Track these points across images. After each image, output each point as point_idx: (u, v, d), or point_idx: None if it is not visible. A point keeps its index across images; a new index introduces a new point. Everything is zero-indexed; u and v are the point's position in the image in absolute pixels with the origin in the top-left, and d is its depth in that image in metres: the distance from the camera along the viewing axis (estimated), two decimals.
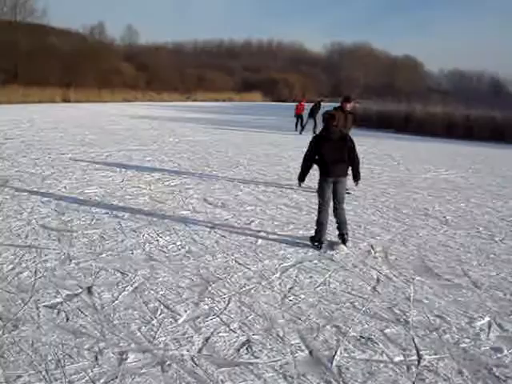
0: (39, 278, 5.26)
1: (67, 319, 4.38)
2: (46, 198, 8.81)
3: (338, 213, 6.84)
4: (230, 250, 6.42)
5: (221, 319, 4.50)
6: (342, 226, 6.83)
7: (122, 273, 5.48)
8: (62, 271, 5.46)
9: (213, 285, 5.26)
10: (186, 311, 4.63)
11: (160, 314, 4.54)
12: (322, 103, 25.18)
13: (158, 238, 6.77)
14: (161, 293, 5.01)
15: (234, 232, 7.25)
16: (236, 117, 39.44)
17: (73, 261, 5.79)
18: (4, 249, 6.12)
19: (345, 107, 10.09)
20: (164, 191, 9.84)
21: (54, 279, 5.23)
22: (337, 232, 6.87)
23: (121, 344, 4.00)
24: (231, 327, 4.36)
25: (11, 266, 5.55)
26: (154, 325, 4.34)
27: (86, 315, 4.46)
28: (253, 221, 7.91)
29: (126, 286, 5.12)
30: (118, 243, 6.51)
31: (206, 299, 4.91)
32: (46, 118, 29.24)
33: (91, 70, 61.27)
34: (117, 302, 4.76)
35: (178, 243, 6.62)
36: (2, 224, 7.15)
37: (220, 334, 4.23)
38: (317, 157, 6.82)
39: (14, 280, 5.17)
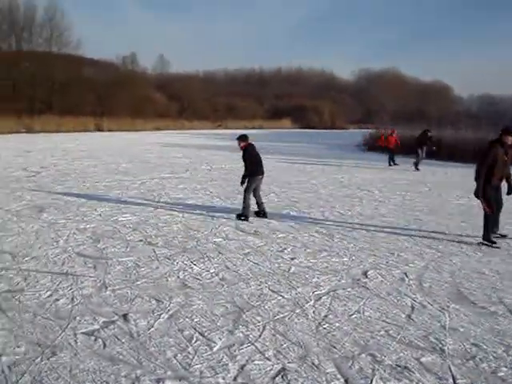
0: (76, 304, 5.35)
1: (104, 346, 4.44)
2: (81, 226, 8.97)
3: None
4: (264, 278, 6.44)
5: (256, 347, 4.51)
6: None
7: (157, 300, 5.54)
8: (98, 298, 5.55)
9: (247, 312, 5.28)
10: (220, 339, 4.65)
11: (195, 342, 4.57)
12: (428, 133, 23.80)
13: (192, 266, 6.83)
14: (196, 320, 5.04)
15: (267, 259, 7.27)
16: (266, 144, 39.53)
17: (109, 288, 5.88)
18: (41, 276, 6.24)
19: (507, 141, 8.50)
20: (197, 219, 9.93)
21: (90, 306, 5.31)
22: None
23: (157, 371, 4.04)
24: (266, 355, 4.37)
25: (49, 293, 5.66)
26: (189, 352, 4.38)
27: (123, 342, 4.52)
28: (285, 248, 7.93)
29: (162, 314, 5.17)
30: (152, 270, 6.59)
31: (241, 327, 4.92)
32: (80, 146, 29.78)
33: (124, 99, 62.36)
34: (152, 329, 4.81)
35: (212, 270, 6.67)
36: (39, 251, 7.30)
37: (255, 362, 4.24)
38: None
39: (51, 307, 5.27)
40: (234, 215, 10.24)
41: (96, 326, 4.83)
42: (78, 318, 5.00)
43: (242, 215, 10.08)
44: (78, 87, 56.82)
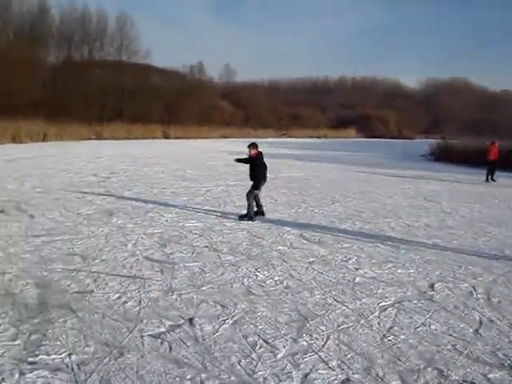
0: (143, 307, 5.47)
1: (170, 349, 4.52)
2: (149, 231, 9.18)
3: None
4: (328, 287, 6.41)
5: (319, 356, 4.49)
6: None
7: (222, 306, 5.60)
8: (164, 302, 5.66)
9: (311, 321, 5.27)
10: (284, 346, 4.66)
11: (259, 348, 4.60)
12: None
13: (257, 273, 6.87)
14: (260, 327, 5.07)
15: (332, 269, 7.23)
16: (330, 153, 39.44)
17: (175, 292, 5.99)
18: (110, 279, 6.42)
19: None
20: (261, 226, 9.99)
21: (157, 309, 5.43)
22: None
23: (221, 376, 4.09)
24: (330, 365, 4.35)
25: (117, 295, 5.81)
26: (253, 358, 4.41)
27: (188, 346, 4.59)
28: (350, 258, 7.86)
29: (226, 319, 5.22)
30: (217, 276, 6.66)
31: (305, 335, 4.92)
32: (148, 153, 30.44)
33: (191, 107, 63.46)
34: (217, 334, 4.86)
35: (276, 278, 6.68)
36: (108, 254, 7.52)
37: (319, 371, 4.23)
38: None
39: (119, 309, 5.41)
40: (240, 219, 10.70)
41: (162, 329, 4.93)
42: (145, 320, 5.12)
43: (247, 216, 10.62)
44: (146, 95, 58.22)
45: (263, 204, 11.17)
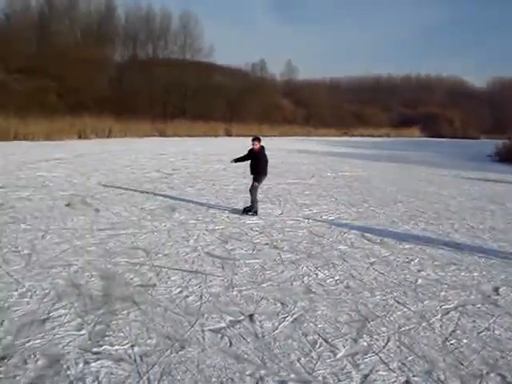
0: (204, 302, 5.55)
1: (230, 344, 4.57)
2: (210, 227, 9.29)
3: None
4: (389, 288, 6.33)
5: (380, 357, 4.45)
6: None
7: (282, 303, 5.62)
8: (225, 297, 5.72)
9: (371, 322, 5.22)
10: (344, 346, 4.64)
11: (319, 347, 4.60)
12: None
13: (317, 272, 6.85)
14: (319, 326, 5.06)
15: (393, 270, 7.13)
16: (393, 152, 38.86)
17: (235, 288, 6.05)
18: (173, 273, 6.53)
19: None
20: (322, 225, 9.94)
21: (218, 305, 5.49)
22: None
23: (281, 373, 4.11)
24: (390, 366, 4.30)
25: (179, 290, 5.92)
26: (313, 357, 4.40)
27: (248, 342, 4.63)
28: (412, 259, 7.73)
29: (286, 317, 5.24)
30: (278, 274, 6.68)
31: (365, 336, 4.88)
32: (210, 150, 30.79)
33: (252, 105, 63.82)
34: (277, 331, 4.88)
35: (337, 278, 6.65)
36: (171, 249, 7.65)
37: (379, 373, 4.19)
38: None
39: (181, 303, 5.51)
40: (244, 212, 10.81)
41: (223, 324, 4.98)
42: (205, 315, 5.19)
43: (251, 210, 10.78)
44: (209, 93, 58.85)
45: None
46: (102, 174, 16.47)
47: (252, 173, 10.91)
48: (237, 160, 11.28)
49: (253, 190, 10.73)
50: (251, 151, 10.92)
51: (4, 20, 64.76)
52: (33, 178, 15.04)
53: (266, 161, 10.81)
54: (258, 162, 10.75)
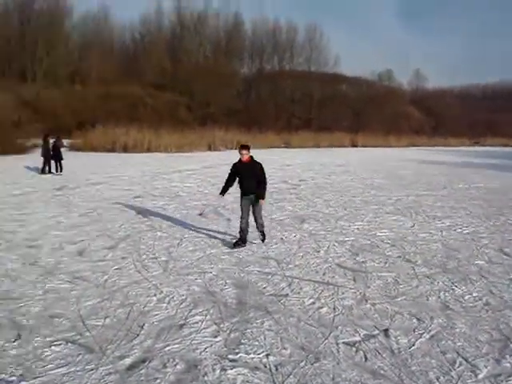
0: (337, 314, 5.48)
1: (365, 359, 4.47)
2: (340, 238, 9.21)
3: None
4: None
5: None
6: None
7: (417, 319, 5.43)
8: (358, 310, 5.62)
9: None
10: (486, 367, 4.40)
11: (459, 366, 4.39)
12: None
13: (453, 287, 6.56)
14: (458, 344, 4.83)
15: None
16: None
17: (368, 301, 5.93)
18: (304, 283, 6.53)
19: None
20: (457, 238, 9.53)
21: (351, 317, 5.41)
22: None
23: None
24: None
25: (311, 301, 5.90)
26: (452, 376, 4.21)
27: (384, 357, 4.50)
28: None
29: (423, 333, 5.05)
30: (412, 288, 6.48)
31: (508, 357, 4.59)
32: (336, 161, 30.68)
33: (378, 115, 63.02)
34: (414, 347, 4.72)
35: (475, 294, 6.33)
36: (301, 260, 7.67)
37: None
38: None
39: (314, 314, 5.48)
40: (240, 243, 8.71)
41: (357, 338, 4.89)
42: (339, 327, 5.13)
43: (263, 237, 8.83)
44: (334, 104, 58.94)
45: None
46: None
47: (249, 192, 8.55)
48: (224, 189, 8.97)
49: (260, 213, 8.72)
50: (240, 164, 8.64)
51: (139, 39, 68.83)
52: (167, 188, 15.73)
53: (263, 170, 8.62)
54: (252, 174, 8.48)
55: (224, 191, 8.95)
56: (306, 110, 61.22)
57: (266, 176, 8.67)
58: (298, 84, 61.56)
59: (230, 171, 8.81)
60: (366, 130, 57.83)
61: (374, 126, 60.10)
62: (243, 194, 8.60)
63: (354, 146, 54.54)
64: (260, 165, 8.52)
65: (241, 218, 8.61)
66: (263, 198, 8.58)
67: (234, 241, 8.69)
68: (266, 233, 8.90)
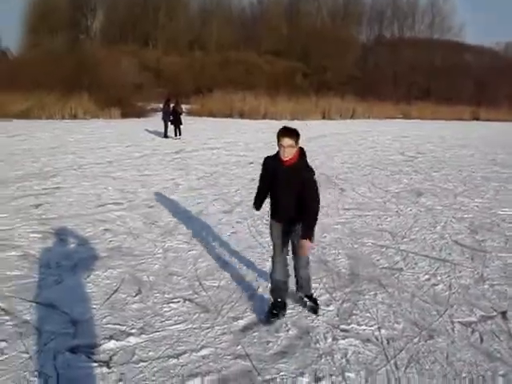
0: (453, 293, 5.34)
1: (481, 340, 4.35)
2: (458, 215, 8.89)
3: None
4: None
5: None
6: None
7: None
8: (475, 290, 5.45)
9: None
10: None
11: None
12: None
13: None
14: None
15: None
16: None
17: (486, 282, 5.72)
18: (419, 258, 6.41)
19: None
20: None
21: (467, 297, 5.25)
22: None
23: None
24: None
25: (426, 277, 5.78)
26: None
27: (501, 340, 4.35)
28: None
29: None
30: None
31: None
32: (456, 134, 29.49)
33: (503, 88, 59.50)
34: None
35: None
36: (417, 234, 7.51)
37: None
38: None
39: (429, 290, 5.37)
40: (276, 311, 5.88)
41: (473, 319, 4.75)
42: (454, 306, 5.00)
43: (315, 304, 4.91)
44: (456, 75, 56.32)
45: None
46: (345, 155, 16.77)
47: (286, 215, 4.60)
48: (257, 202, 4.95)
49: (307, 265, 4.84)
50: (275, 163, 4.51)
51: (256, 5, 68.85)
52: None
53: (315, 183, 4.43)
54: (293, 186, 4.40)
55: (257, 204, 4.98)
56: (425, 80, 59.00)
57: (319, 194, 4.44)
58: (419, 52, 59.31)
59: (261, 172, 4.78)
60: (490, 103, 54.79)
61: (498, 99, 56.82)
62: (276, 217, 4.74)
63: (476, 118, 51.94)
64: (310, 173, 4.43)
65: (272, 260, 4.86)
66: (309, 238, 4.35)
67: (267, 308, 4.73)
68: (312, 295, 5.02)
